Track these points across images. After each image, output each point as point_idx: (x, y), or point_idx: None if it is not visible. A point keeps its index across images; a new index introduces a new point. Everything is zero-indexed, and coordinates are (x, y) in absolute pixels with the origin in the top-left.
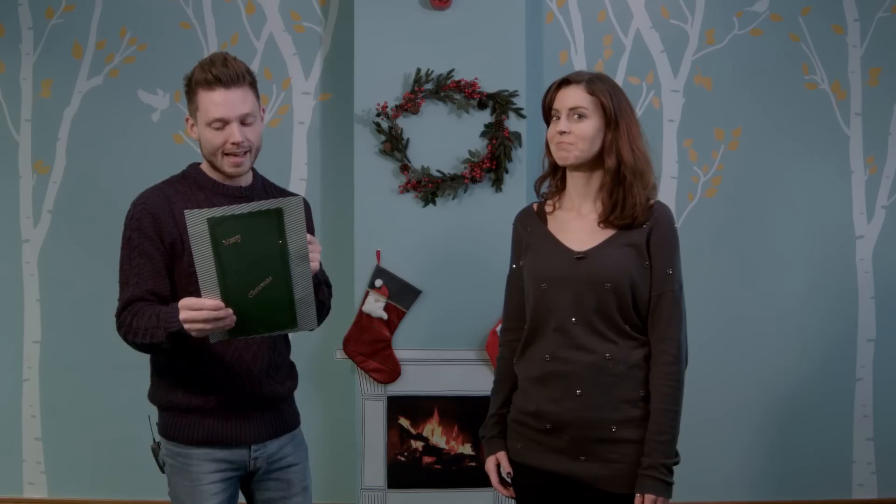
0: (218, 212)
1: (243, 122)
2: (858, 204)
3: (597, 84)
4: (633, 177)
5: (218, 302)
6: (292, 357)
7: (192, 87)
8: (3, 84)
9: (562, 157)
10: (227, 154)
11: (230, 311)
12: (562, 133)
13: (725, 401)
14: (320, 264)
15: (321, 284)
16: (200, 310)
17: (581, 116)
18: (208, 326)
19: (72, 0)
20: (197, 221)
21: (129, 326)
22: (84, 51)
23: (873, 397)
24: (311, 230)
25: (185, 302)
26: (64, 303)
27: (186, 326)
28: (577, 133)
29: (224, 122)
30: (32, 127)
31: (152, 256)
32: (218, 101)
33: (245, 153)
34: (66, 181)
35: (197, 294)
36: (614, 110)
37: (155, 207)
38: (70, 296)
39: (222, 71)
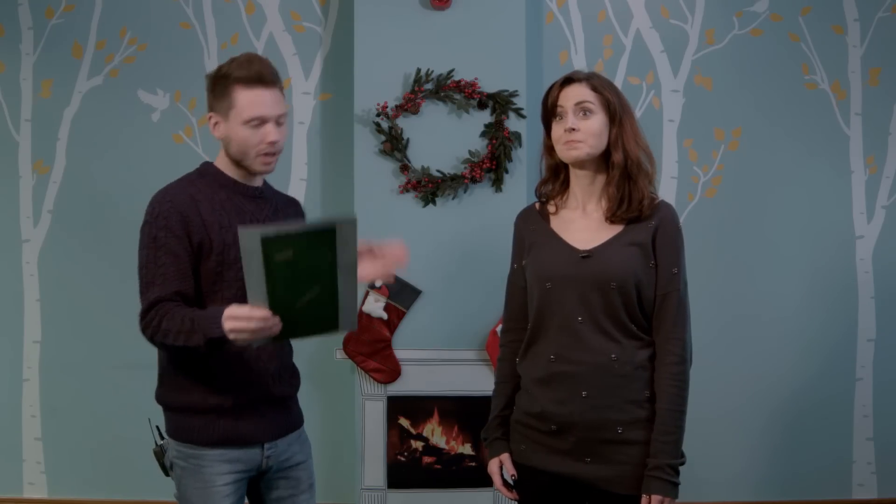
0: (272, 231)
1: (278, 122)
2: (858, 204)
3: (598, 81)
4: (639, 171)
5: (267, 312)
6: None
7: (228, 83)
8: (3, 84)
9: (571, 156)
10: (260, 154)
11: (277, 319)
12: (570, 131)
13: (725, 401)
14: None
15: None
16: (250, 319)
17: (587, 112)
18: (255, 336)
19: (72, 0)
20: (251, 239)
21: (158, 328)
22: (84, 51)
23: (873, 397)
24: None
25: (233, 312)
26: (64, 303)
27: (233, 336)
28: (585, 129)
29: (262, 121)
30: (32, 127)
31: (179, 256)
32: (258, 100)
33: (277, 153)
34: (66, 181)
35: (222, 294)
36: (618, 106)
37: (183, 206)
38: (70, 296)
39: (263, 70)
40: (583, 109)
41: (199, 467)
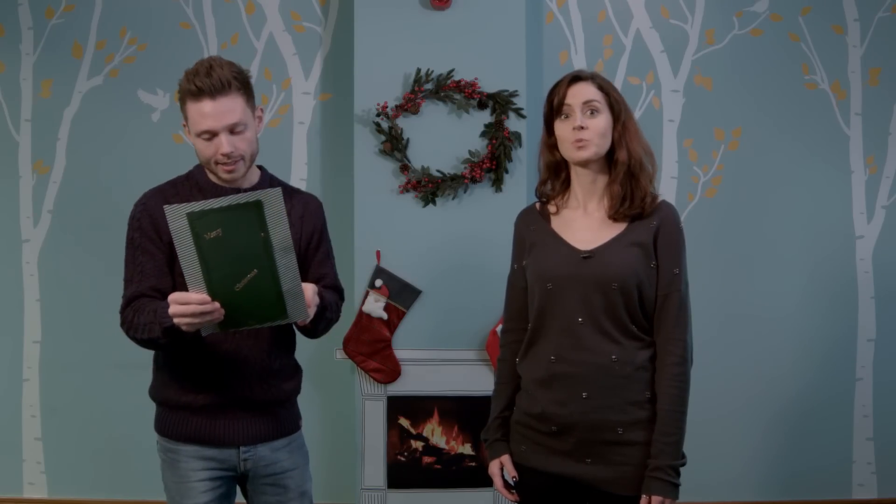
0: (197, 206)
1: (232, 131)
2: (858, 204)
3: (602, 81)
4: (641, 170)
5: (204, 296)
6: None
7: (182, 96)
8: (3, 84)
9: (580, 156)
10: (217, 163)
11: (217, 304)
12: (579, 129)
13: (724, 401)
14: (335, 277)
15: (325, 310)
16: (187, 304)
17: (595, 111)
18: (196, 320)
19: (72, 0)
20: (177, 216)
21: (131, 323)
22: (84, 51)
23: (873, 397)
24: (320, 229)
25: (174, 296)
26: (64, 303)
27: (175, 320)
28: (594, 128)
29: (212, 134)
30: (32, 127)
31: (154, 255)
32: (204, 113)
33: (236, 162)
34: (66, 181)
35: None
36: (622, 106)
37: (153, 208)
38: (70, 296)
39: (205, 81)
40: (591, 108)
41: (176, 461)
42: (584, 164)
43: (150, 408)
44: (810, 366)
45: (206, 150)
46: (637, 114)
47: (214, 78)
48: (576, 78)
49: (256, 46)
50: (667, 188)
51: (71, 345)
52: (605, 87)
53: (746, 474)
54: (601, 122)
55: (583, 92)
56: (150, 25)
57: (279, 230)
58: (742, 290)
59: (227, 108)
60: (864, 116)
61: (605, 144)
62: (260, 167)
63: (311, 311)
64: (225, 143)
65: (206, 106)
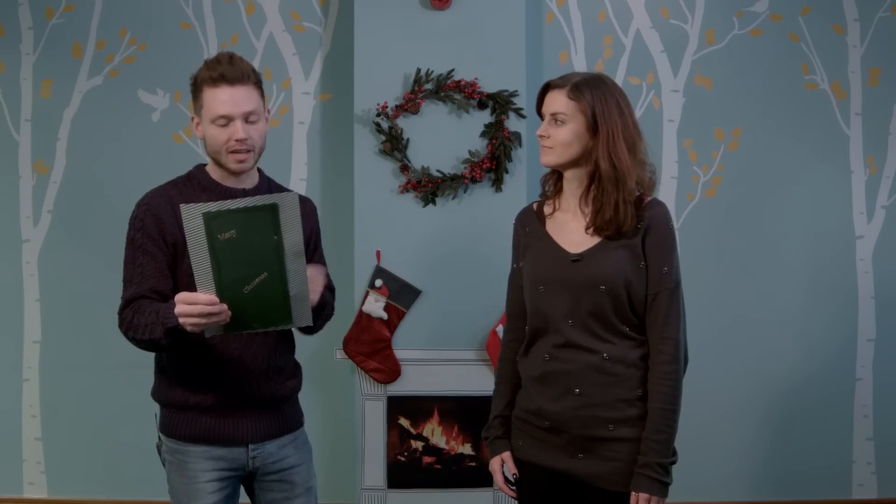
0: (213, 206)
1: (247, 119)
2: (858, 204)
3: (582, 90)
4: (611, 185)
5: (212, 297)
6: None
7: (198, 84)
8: (3, 84)
9: (542, 161)
10: (230, 151)
11: (224, 306)
12: (540, 137)
13: (725, 401)
14: (327, 276)
15: (324, 307)
16: (195, 304)
17: (560, 122)
18: (203, 321)
19: (72, 0)
20: (193, 216)
21: (131, 323)
22: (84, 51)
23: (873, 397)
24: (317, 231)
25: (181, 296)
26: (64, 303)
27: (181, 320)
28: (555, 138)
29: (228, 119)
30: (32, 127)
31: (155, 256)
32: (222, 98)
33: (249, 151)
34: (66, 181)
35: None
36: (595, 117)
37: (158, 208)
38: (70, 296)
39: (227, 69)
40: (555, 119)
41: (184, 462)
42: (562, 168)
43: (151, 408)
44: (810, 366)
45: (220, 136)
46: (637, 114)
47: (236, 67)
48: (547, 87)
49: (256, 46)
50: (667, 188)
51: (71, 345)
52: (580, 97)
53: (746, 474)
54: (563, 133)
55: (552, 102)
56: (150, 25)
57: (292, 234)
58: (742, 290)
59: (244, 97)
60: (864, 116)
61: (568, 153)
62: (258, 169)
63: (321, 284)
64: (240, 129)
65: (225, 92)
